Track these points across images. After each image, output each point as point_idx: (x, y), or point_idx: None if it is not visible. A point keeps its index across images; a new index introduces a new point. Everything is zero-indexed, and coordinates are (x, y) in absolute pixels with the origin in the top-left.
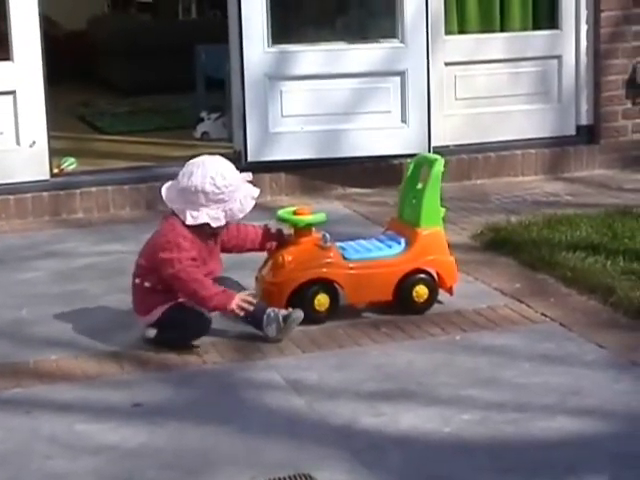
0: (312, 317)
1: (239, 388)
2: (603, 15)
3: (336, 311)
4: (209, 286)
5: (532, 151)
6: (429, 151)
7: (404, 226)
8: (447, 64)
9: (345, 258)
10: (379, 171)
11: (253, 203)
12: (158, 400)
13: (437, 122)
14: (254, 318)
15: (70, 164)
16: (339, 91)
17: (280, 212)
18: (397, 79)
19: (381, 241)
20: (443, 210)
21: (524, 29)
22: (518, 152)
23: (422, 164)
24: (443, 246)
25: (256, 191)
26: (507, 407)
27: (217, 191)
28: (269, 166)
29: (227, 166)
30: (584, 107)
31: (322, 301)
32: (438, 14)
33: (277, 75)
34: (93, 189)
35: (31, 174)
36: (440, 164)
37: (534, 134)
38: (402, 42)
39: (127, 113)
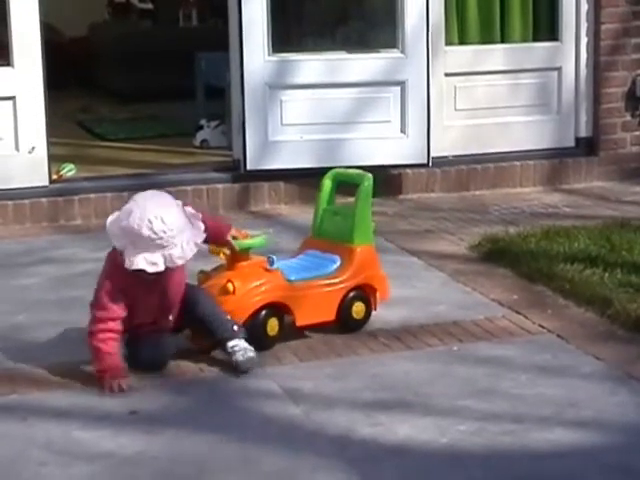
0: (265, 343)
1: (236, 397)
2: (603, 27)
3: (283, 335)
4: (105, 358)
5: (531, 162)
6: (428, 162)
7: (328, 243)
8: (447, 75)
9: (287, 280)
10: (378, 181)
11: (195, 250)
12: (155, 408)
13: (437, 133)
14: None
15: (69, 170)
16: (339, 100)
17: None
18: (397, 89)
19: (312, 260)
20: (373, 225)
21: (524, 40)
22: (517, 163)
23: (339, 180)
24: (377, 262)
25: (201, 236)
26: (504, 418)
27: (154, 236)
28: (268, 175)
29: (169, 209)
30: (583, 119)
31: (273, 325)
32: (438, 25)
33: (277, 84)
34: (92, 195)
35: (30, 180)
36: (369, 180)
37: (533, 145)
38: (402, 52)
39: (127, 120)
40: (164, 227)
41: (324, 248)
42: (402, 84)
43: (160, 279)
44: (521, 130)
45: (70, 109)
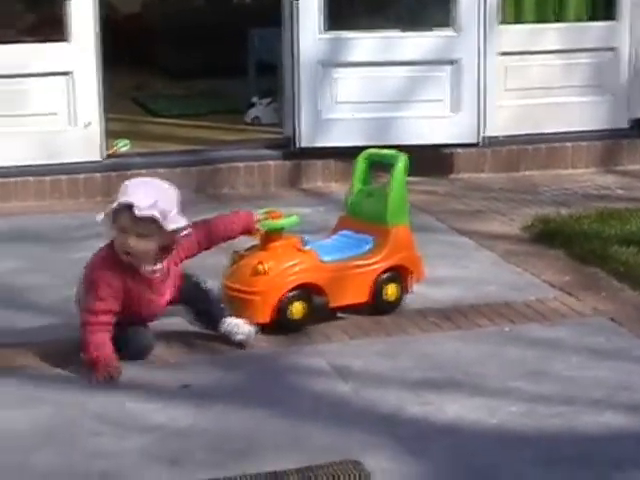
0: (289, 326)
1: (285, 373)
2: None
3: (312, 318)
4: (98, 348)
5: (583, 144)
6: (478, 141)
7: (363, 224)
8: (501, 54)
9: (321, 260)
10: (429, 160)
11: (184, 221)
12: (205, 382)
13: (489, 112)
14: (210, 317)
15: (123, 145)
16: (392, 79)
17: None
18: (450, 68)
19: (346, 240)
20: (408, 205)
21: (579, 20)
22: (569, 144)
23: (374, 160)
24: (411, 243)
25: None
26: (554, 400)
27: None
28: (320, 152)
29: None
30: (638, 100)
31: (298, 309)
32: (493, 3)
33: (330, 61)
34: (145, 171)
35: (84, 155)
36: (404, 160)
37: (586, 126)
38: (456, 31)
39: (180, 96)
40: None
41: (358, 229)
42: (455, 63)
43: (155, 283)
44: (574, 111)
45: (124, 85)
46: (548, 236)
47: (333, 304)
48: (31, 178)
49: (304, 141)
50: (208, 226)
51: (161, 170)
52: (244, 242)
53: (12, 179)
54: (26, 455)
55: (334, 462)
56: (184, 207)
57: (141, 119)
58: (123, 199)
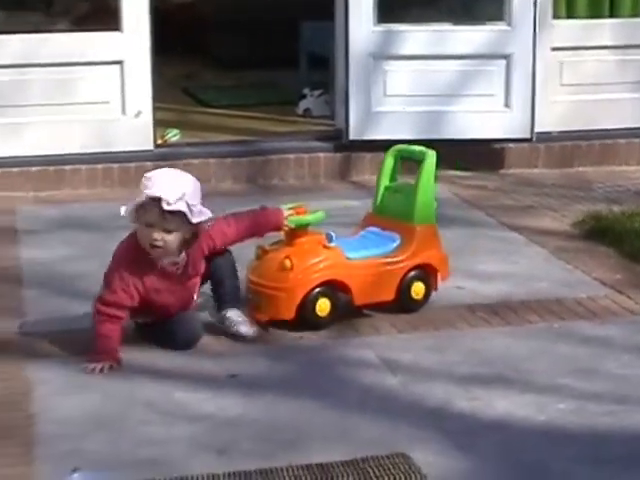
0: (314, 324)
1: (334, 365)
2: None
3: (337, 315)
4: (102, 340)
5: (636, 140)
6: (531, 137)
7: (389, 221)
8: (554, 49)
9: (347, 257)
10: (480, 154)
11: (209, 213)
12: (254, 373)
13: (541, 107)
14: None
15: (174, 135)
16: (443, 72)
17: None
18: (502, 62)
19: (372, 238)
20: (435, 204)
21: (634, 15)
22: (622, 141)
23: (402, 157)
24: (438, 241)
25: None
26: (604, 398)
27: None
28: (370, 145)
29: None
30: None
31: (323, 306)
32: None
33: (381, 54)
34: (195, 161)
35: (135, 144)
36: (432, 157)
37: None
38: (509, 25)
39: (231, 87)
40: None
41: (385, 226)
42: (507, 57)
43: (177, 275)
44: (628, 107)
45: (175, 75)
46: (599, 233)
47: (358, 302)
48: (83, 166)
49: (354, 133)
50: (240, 221)
51: (211, 160)
52: (269, 237)
53: (65, 167)
54: (77, 442)
55: (383, 455)
56: (235, 197)
57: (191, 109)
58: (150, 192)
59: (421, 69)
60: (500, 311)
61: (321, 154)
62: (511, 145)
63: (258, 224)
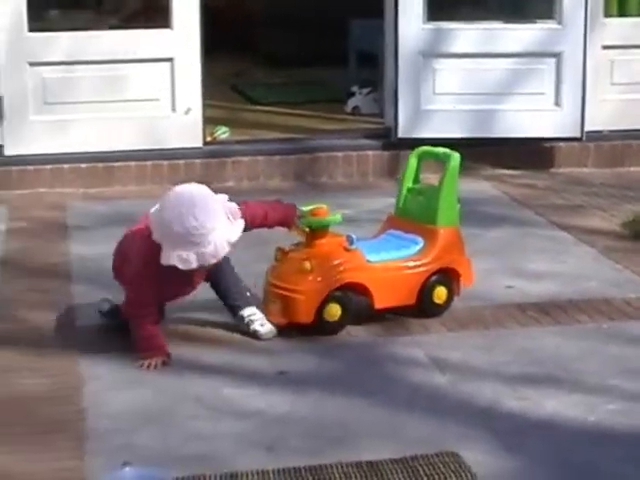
0: (323, 328)
1: (382, 362)
2: None
3: (349, 320)
4: (145, 341)
5: None
6: (582, 136)
7: (412, 224)
8: (604, 47)
9: (367, 260)
10: (530, 153)
11: (228, 249)
12: (303, 370)
13: (591, 106)
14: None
15: (223, 133)
16: (493, 71)
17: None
18: (552, 61)
19: (394, 240)
20: (459, 206)
21: None
22: None
23: (425, 158)
24: (461, 245)
25: (236, 234)
26: None
27: (185, 232)
28: (419, 143)
29: (202, 205)
30: None
31: (333, 311)
32: None
33: (431, 52)
34: (244, 158)
35: (185, 141)
36: (456, 160)
37: None
38: (559, 23)
39: (280, 84)
40: (195, 224)
41: (407, 228)
42: (558, 56)
43: (194, 272)
44: None
45: (224, 72)
46: None
47: (378, 305)
48: (133, 163)
49: (403, 131)
50: (249, 209)
51: (260, 158)
52: (288, 239)
53: (115, 164)
54: (128, 436)
55: (433, 453)
56: (284, 194)
57: (240, 106)
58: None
59: (471, 67)
60: (550, 310)
61: (370, 152)
62: (561, 144)
63: (268, 215)
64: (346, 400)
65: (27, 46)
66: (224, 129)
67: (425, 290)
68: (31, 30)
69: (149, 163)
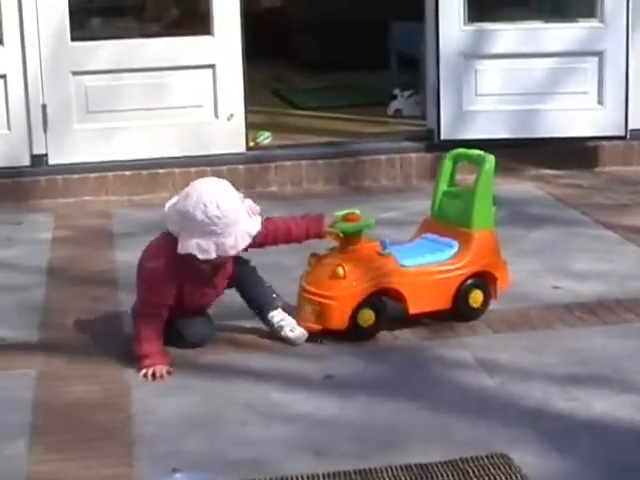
0: (357, 333)
1: (430, 365)
2: None
3: (384, 325)
4: (146, 343)
5: None
6: (625, 134)
7: (447, 227)
8: None
9: (401, 265)
10: (573, 153)
11: (248, 241)
12: (349, 373)
13: (635, 104)
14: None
15: (265, 138)
16: (534, 71)
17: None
18: (595, 59)
19: (429, 244)
20: (494, 209)
21: None
22: None
23: (460, 161)
24: (497, 248)
25: (255, 227)
26: None
27: (207, 221)
28: (462, 145)
29: (225, 195)
30: None
31: (366, 317)
32: None
33: (472, 53)
34: (287, 163)
35: (228, 147)
36: (491, 162)
37: None
38: (601, 22)
39: (320, 89)
40: (218, 212)
41: (442, 232)
42: (600, 54)
43: (212, 272)
44: None
45: (265, 78)
46: None
47: (413, 311)
48: (177, 170)
49: (445, 133)
50: (279, 224)
51: (303, 162)
52: (321, 244)
53: (159, 170)
54: (176, 442)
55: (483, 455)
56: (327, 199)
57: (282, 111)
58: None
59: (512, 67)
60: (597, 310)
61: (412, 154)
62: (604, 143)
63: (299, 233)
64: (394, 403)
65: (70, 55)
66: (266, 134)
67: (461, 294)
68: (73, 39)
69: (193, 169)
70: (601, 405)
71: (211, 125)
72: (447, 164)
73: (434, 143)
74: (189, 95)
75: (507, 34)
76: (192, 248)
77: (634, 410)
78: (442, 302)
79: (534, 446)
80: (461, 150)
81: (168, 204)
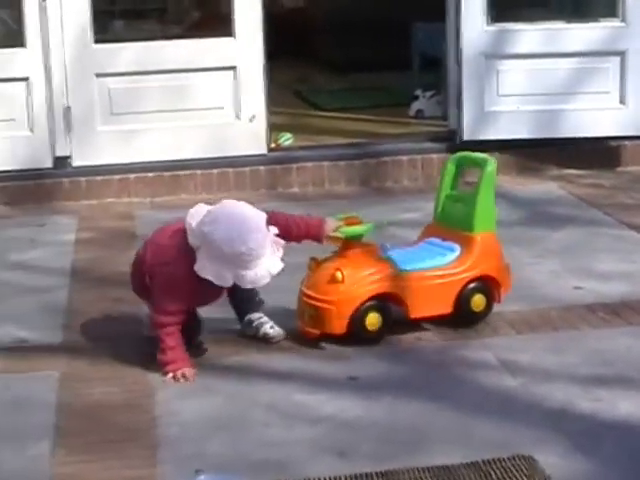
0: (364, 337)
1: (452, 366)
2: None
3: (389, 329)
4: (171, 351)
5: None
6: None
7: (449, 231)
8: None
9: (400, 269)
10: (596, 153)
11: (268, 280)
12: (373, 375)
13: None
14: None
15: (287, 139)
16: (556, 71)
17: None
18: (617, 59)
19: (430, 248)
20: (496, 212)
21: None
22: None
23: (463, 164)
24: (499, 251)
25: (277, 267)
26: None
27: (231, 255)
28: (484, 145)
29: (254, 231)
30: None
31: (373, 320)
32: None
33: (494, 54)
34: (309, 164)
35: (249, 148)
36: (493, 165)
37: None
38: (623, 21)
39: (342, 90)
40: (244, 249)
41: (445, 236)
42: (622, 54)
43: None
44: None
45: (287, 79)
46: None
47: (413, 315)
48: (199, 171)
49: (467, 134)
50: (279, 221)
51: (325, 163)
52: (320, 249)
53: (181, 172)
54: (200, 444)
55: (506, 457)
56: (349, 200)
57: (303, 112)
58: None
59: (534, 68)
60: (620, 311)
61: (434, 155)
62: (627, 142)
63: (299, 233)
64: (417, 404)
65: (93, 58)
66: (288, 135)
67: (462, 298)
68: (97, 42)
69: (215, 171)
70: (626, 406)
71: (232, 127)
72: (450, 167)
73: (456, 144)
74: (211, 97)
75: (529, 34)
76: (209, 273)
77: None
78: (443, 306)
79: (558, 447)
80: (464, 153)
81: (194, 221)
